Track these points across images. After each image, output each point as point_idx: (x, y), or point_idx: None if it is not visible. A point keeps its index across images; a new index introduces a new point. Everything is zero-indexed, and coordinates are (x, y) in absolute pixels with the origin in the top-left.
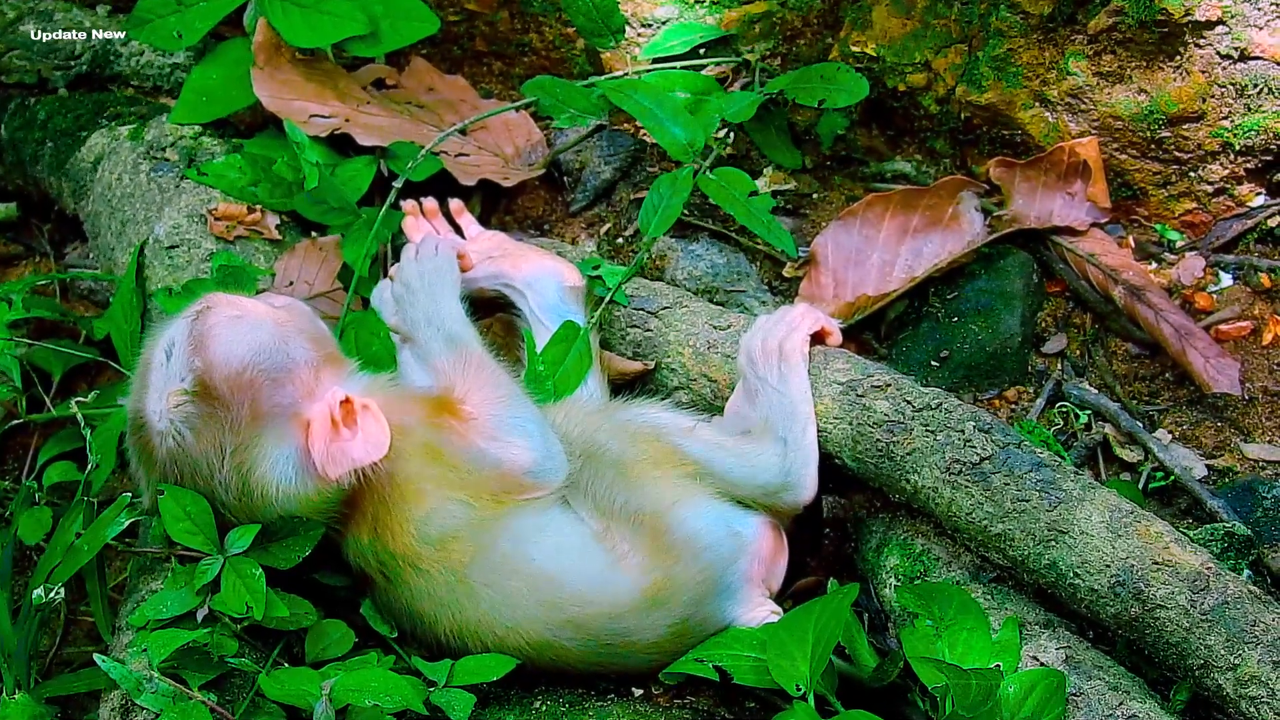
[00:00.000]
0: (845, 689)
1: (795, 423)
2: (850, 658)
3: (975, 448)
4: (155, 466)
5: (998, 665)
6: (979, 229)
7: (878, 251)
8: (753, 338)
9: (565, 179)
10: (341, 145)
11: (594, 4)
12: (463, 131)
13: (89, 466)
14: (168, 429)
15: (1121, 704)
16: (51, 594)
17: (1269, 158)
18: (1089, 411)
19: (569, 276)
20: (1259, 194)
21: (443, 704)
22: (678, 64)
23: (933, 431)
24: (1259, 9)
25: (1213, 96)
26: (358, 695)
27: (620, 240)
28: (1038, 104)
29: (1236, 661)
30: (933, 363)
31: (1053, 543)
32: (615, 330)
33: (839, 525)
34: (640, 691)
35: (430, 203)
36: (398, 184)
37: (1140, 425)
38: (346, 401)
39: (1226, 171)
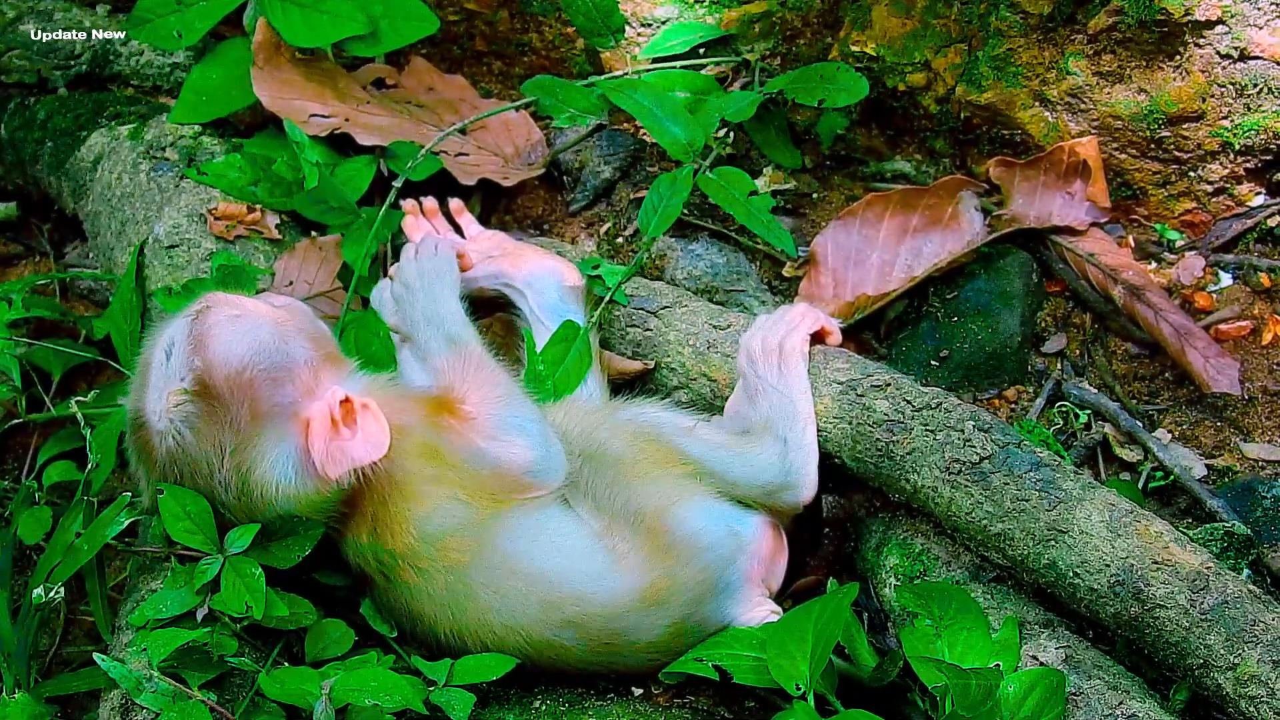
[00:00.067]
0: (845, 689)
1: (795, 422)
2: (850, 657)
3: (975, 447)
4: (155, 466)
5: (997, 665)
6: (979, 229)
7: (877, 251)
8: (752, 337)
9: (565, 179)
10: (341, 145)
11: (594, 4)
12: (462, 131)
13: (89, 466)
14: (167, 428)
15: (1121, 703)
16: (51, 593)
17: (1269, 157)
18: (1089, 411)
19: (569, 276)
20: (1259, 194)
21: (442, 703)
22: (677, 64)
23: (932, 431)
24: (1259, 9)
25: (1212, 96)
26: (357, 695)
27: (620, 240)
28: (1037, 104)
29: (1236, 661)
30: (932, 362)
31: (1052, 542)
32: (615, 330)
33: (839, 525)
34: (640, 691)
35: (430, 202)
36: (397, 183)
37: (1140, 425)
38: (346, 401)
39: (1226, 171)
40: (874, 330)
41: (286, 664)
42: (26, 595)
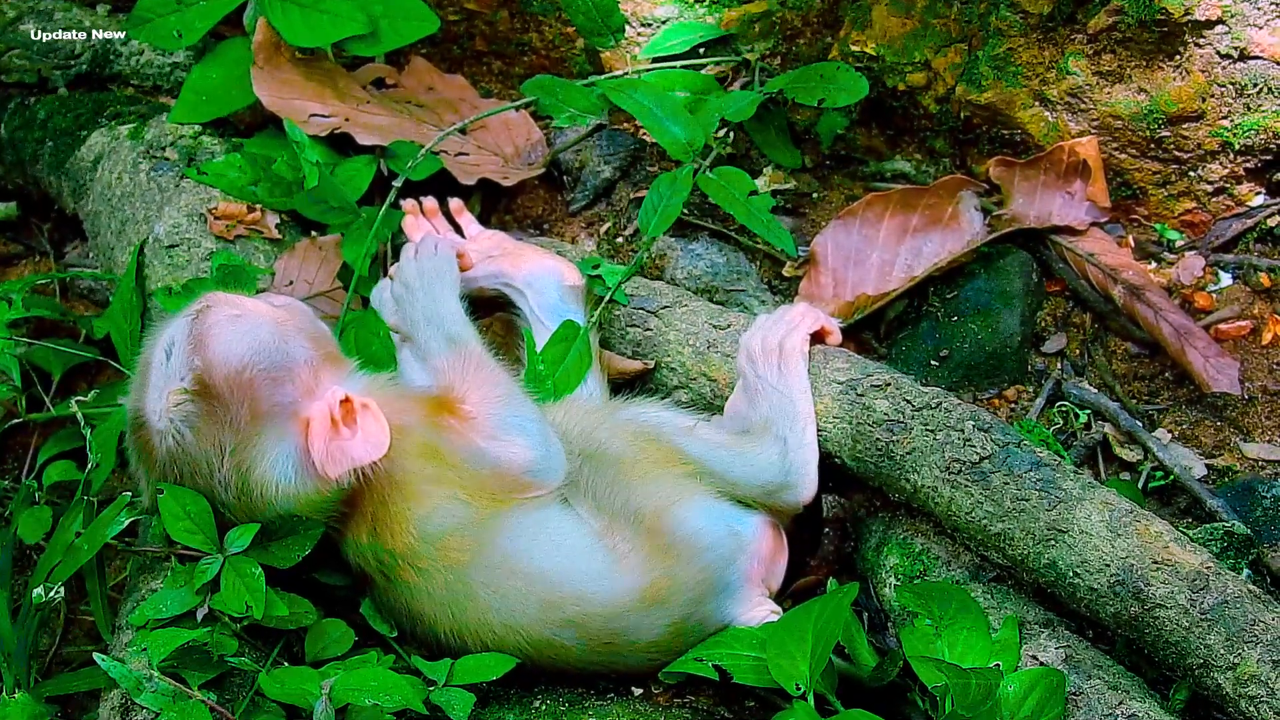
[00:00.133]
0: (845, 688)
1: (795, 422)
2: (850, 657)
3: (975, 447)
4: (155, 465)
5: (997, 665)
6: (978, 228)
7: (877, 251)
8: (752, 337)
9: (565, 178)
10: (341, 145)
11: (594, 3)
12: (462, 131)
13: (89, 466)
14: (167, 428)
15: (1121, 703)
16: (51, 593)
17: (1268, 157)
18: (1088, 411)
19: (569, 276)
20: (1258, 193)
21: (442, 703)
22: (677, 63)
23: (932, 431)
24: (1259, 8)
25: (1212, 96)
26: (357, 694)
27: (620, 239)
28: (1037, 103)
29: (1236, 661)
30: (932, 362)
31: (1052, 542)
32: (615, 329)
33: (839, 525)
34: (640, 691)
35: (430, 202)
36: (397, 183)
37: (1140, 424)
38: (346, 401)
39: (1226, 171)
40: (874, 330)
41: (286, 664)
42: (26, 595)
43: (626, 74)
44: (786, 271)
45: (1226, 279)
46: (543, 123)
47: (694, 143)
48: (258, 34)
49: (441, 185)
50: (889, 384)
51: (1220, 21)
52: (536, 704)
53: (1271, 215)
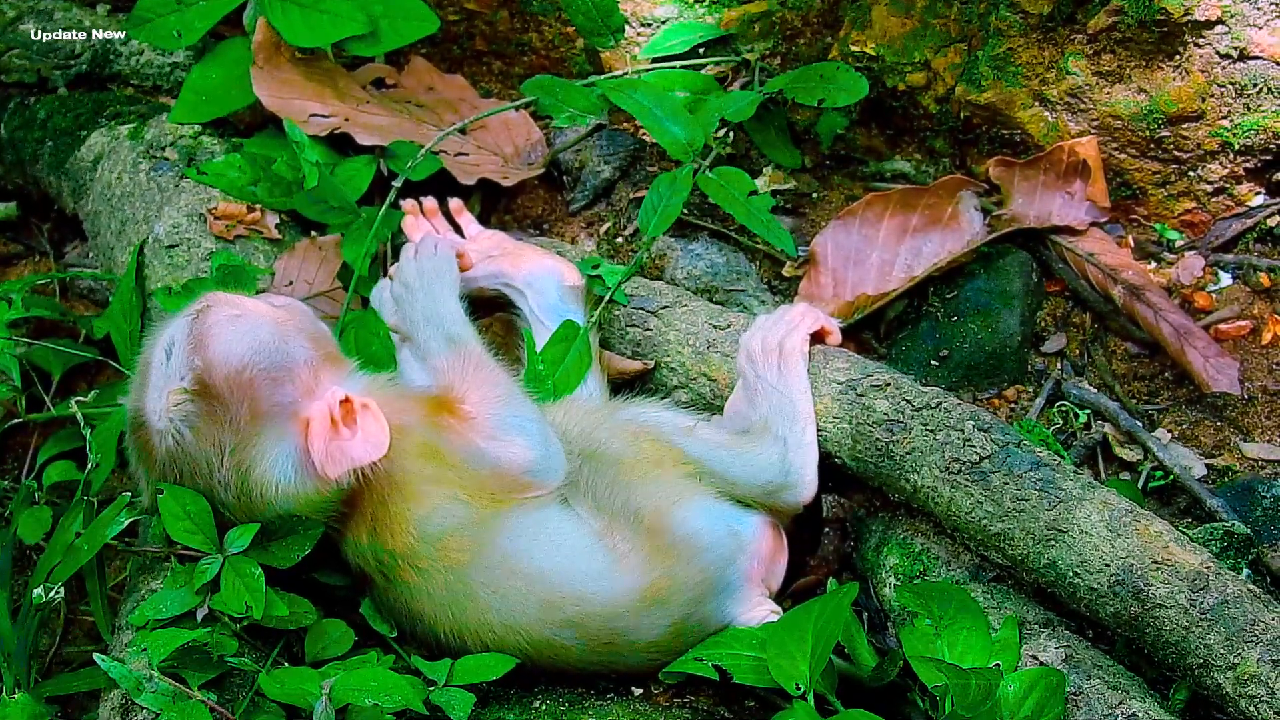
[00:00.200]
0: (845, 688)
1: (795, 422)
2: (850, 657)
3: (975, 447)
4: (155, 465)
5: (997, 664)
6: (978, 228)
7: (877, 251)
8: (752, 337)
9: (565, 178)
10: (341, 145)
11: (593, 3)
12: (462, 131)
13: (89, 466)
14: (167, 428)
15: (1121, 703)
16: (51, 593)
17: (1268, 157)
18: (1088, 411)
19: (569, 276)
20: (1258, 193)
21: (442, 703)
22: (677, 63)
23: (932, 431)
24: (1258, 8)
25: (1212, 96)
26: (357, 694)
27: (620, 239)
28: (1037, 103)
29: (1236, 660)
30: (932, 362)
31: (1052, 542)
32: (615, 329)
33: (839, 525)
34: (640, 691)
35: (430, 202)
36: (397, 183)
37: (1139, 424)
38: (346, 401)
39: (1226, 171)
40: (874, 330)
41: (286, 664)
42: (26, 595)
43: (626, 74)
44: (786, 271)
45: (1226, 279)
46: (542, 123)
47: (694, 143)
48: (257, 34)
49: (441, 185)
50: (889, 384)
51: (1220, 21)
52: (536, 704)
53: (1271, 215)
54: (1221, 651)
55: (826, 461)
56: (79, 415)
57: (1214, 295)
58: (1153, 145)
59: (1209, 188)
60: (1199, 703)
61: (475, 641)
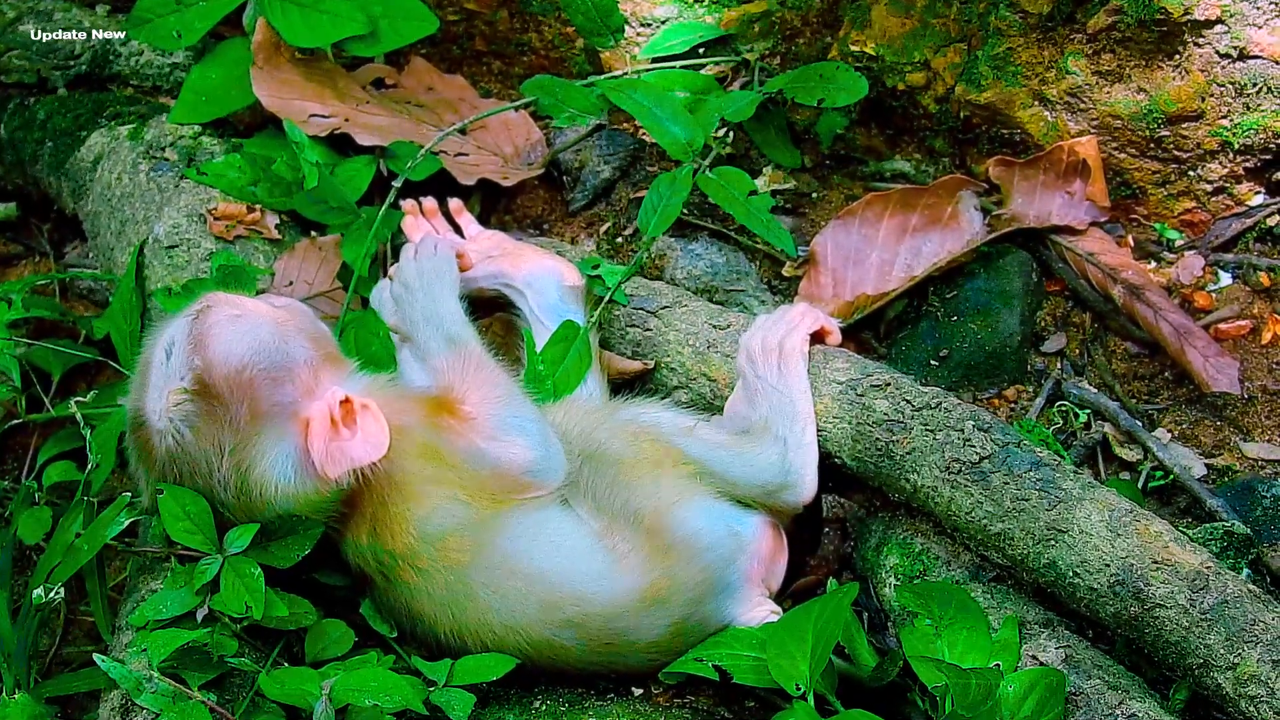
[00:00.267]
0: (845, 688)
1: (795, 422)
2: (850, 657)
3: (975, 447)
4: (154, 465)
5: (997, 665)
6: (978, 228)
7: (877, 251)
8: (752, 337)
9: (564, 178)
10: (341, 145)
11: (593, 3)
12: (462, 131)
13: (89, 466)
14: (167, 427)
15: (1121, 703)
16: (51, 594)
17: (1268, 156)
18: (1088, 410)
19: (568, 276)
20: (1258, 193)
21: (442, 704)
22: (677, 63)
23: (932, 431)
24: (1258, 8)
25: (1212, 95)
26: (357, 695)
27: (620, 240)
28: (1037, 103)
29: (1236, 660)
30: (932, 362)
31: (1052, 542)
32: (615, 330)
33: (839, 525)
34: (640, 691)
35: (430, 202)
36: (397, 183)
37: (1139, 424)
38: (346, 401)
39: (1225, 170)
40: (874, 330)
41: (286, 664)
42: (26, 595)
43: (626, 74)
44: (786, 271)
45: (1226, 278)
46: (542, 123)
47: (693, 143)
48: (257, 34)
49: (441, 185)
50: (889, 384)
51: (1219, 21)
52: (536, 704)
53: (1271, 215)
54: (1221, 651)
55: (826, 461)
56: (79, 416)
57: (1214, 295)
58: (1152, 145)
59: (1209, 187)
60: (1199, 703)
61: (475, 642)
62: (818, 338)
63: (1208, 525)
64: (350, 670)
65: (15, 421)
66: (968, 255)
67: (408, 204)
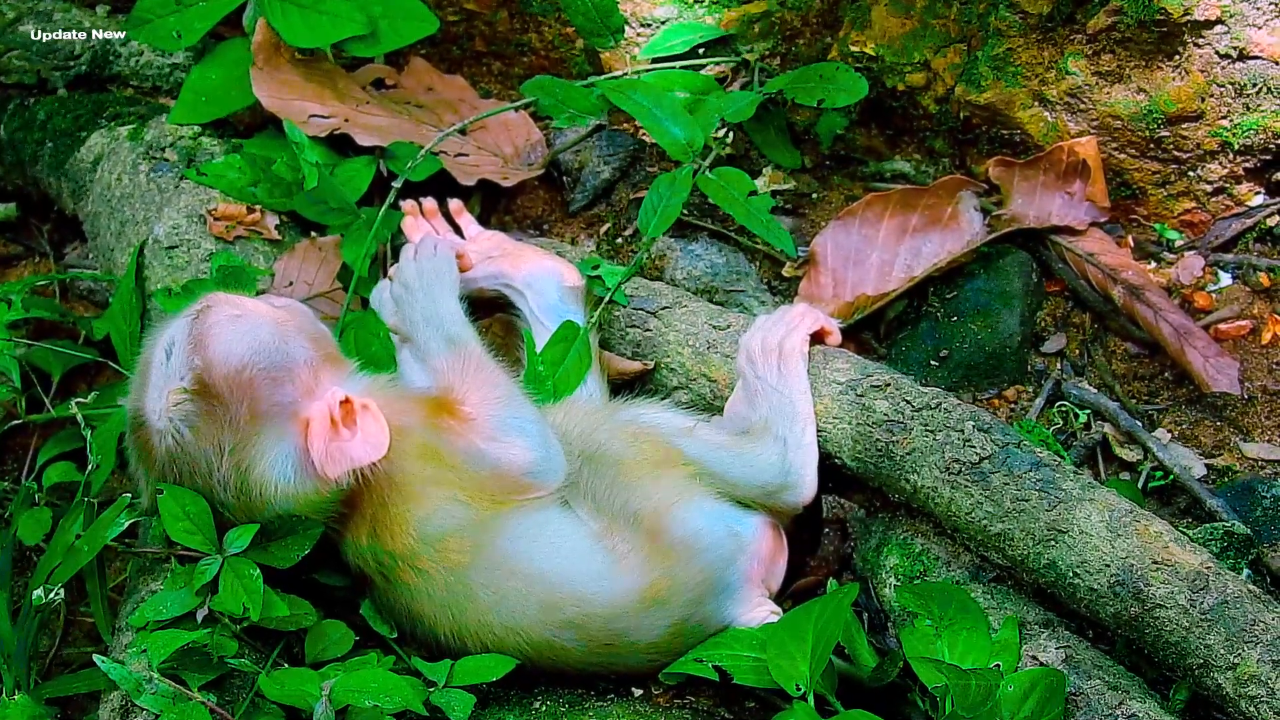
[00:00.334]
0: (845, 689)
1: (795, 422)
2: (850, 658)
3: (975, 447)
4: (154, 465)
5: (997, 665)
6: (978, 228)
7: (877, 251)
8: (752, 337)
9: (564, 179)
10: (341, 145)
11: (593, 4)
12: (462, 131)
13: (89, 467)
14: (167, 427)
15: (1121, 703)
16: (51, 595)
17: (1268, 157)
18: (1088, 411)
19: (568, 276)
20: (1258, 193)
21: (442, 704)
22: (677, 64)
23: (932, 431)
24: (1258, 8)
25: (1211, 96)
26: (357, 696)
27: (620, 240)
28: (1037, 103)
29: (1236, 661)
30: (932, 362)
31: (1052, 542)
32: (615, 330)
33: (839, 525)
34: (640, 691)
35: (429, 203)
36: (397, 184)
37: (1139, 424)
38: (346, 401)
39: (1225, 171)
40: (874, 330)
41: (286, 665)
42: (26, 596)
43: (626, 74)
44: (786, 272)
45: (1226, 279)
46: (542, 123)
47: (693, 143)
48: (257, 35)
49: (441, 186)
50: (889, 384)
51: (1219, 21)
52: (536, 705)
53: (1271, 215)
54: (1221, 652)
55: (826, 462)
56: (79, 416)
57: (1214, 295)
58: (1152, 145)
59: (1209, 187)
60: (1199, 703)
61: (475, 642)
62: (818, 338)
63: (1208, 525)
64: (350, 671)
65: (15, 422)
66: (968, 255)
67: (408, 204)
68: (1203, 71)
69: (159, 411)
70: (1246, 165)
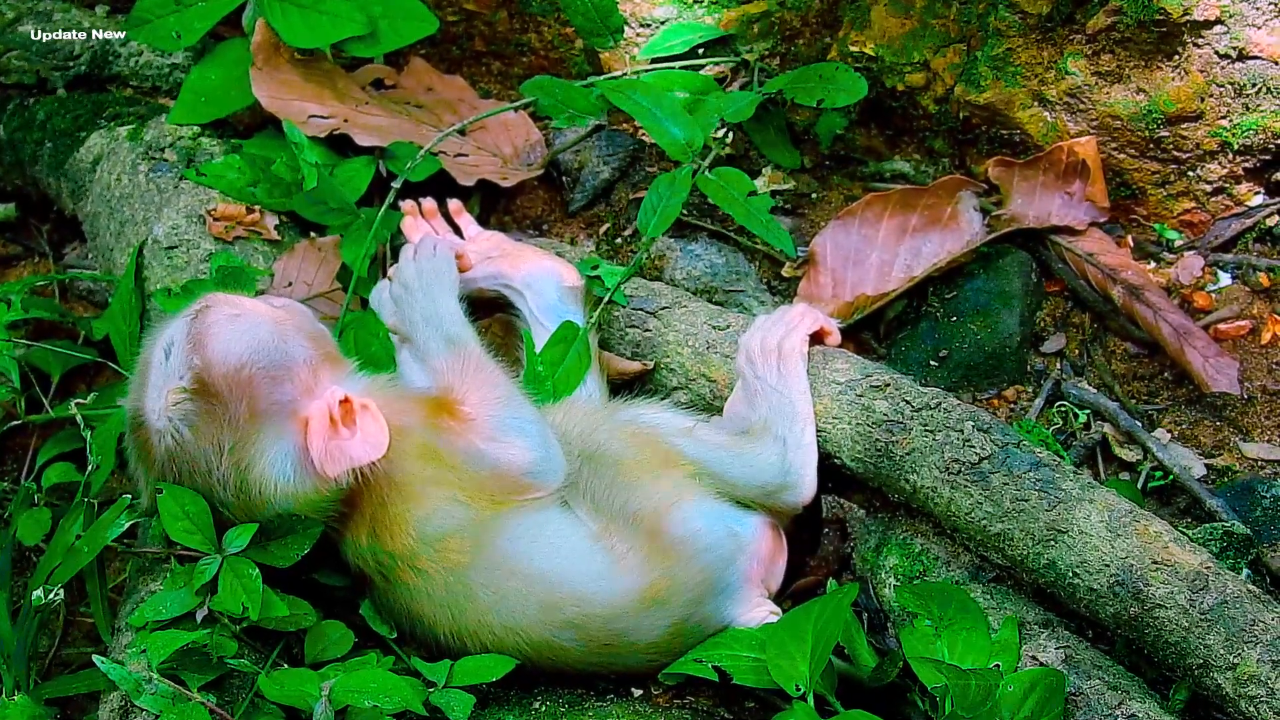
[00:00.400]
0: (845, 689)
1: (794, 422)
2: (850, 658)
3: (974, 447)
4: (154, 465)
5: (997, 665)
6: (978, 228)
7: (876, 251)
8: (751, 337)
9: (564, 179)
10: (340, 145)
11: (592, 4)
12: (461, 131)
13: (88, 467)
14: (166, 427)
15: (1121, 704)
16: (51, 595)
17: (1267, 157)
18: (1088, 411)
19: (568, 276)
20: (1257, 193)
21: (442, 704)
22: (676, 64)
23: (932, 431)
24: (1257, 8)
25: (1211, 96)
26: (357, 696)
27: (619, 240)
28: (1036, 103)
29: (1236, 661)
30: (932, 362)
31: (1052, 542)
32: (614, 330)
33: (839, 525)
34: (639, 691)
35: (429, 203)
36: (396, 184)
37: (1139, 424)
38: (346, 401)
39: (1225, 171)
40: (873, 330)
41: (286, 665)
42: (26, 597)
43: (625, 74)
44: (786, 272)
45: (1226, 279)
46: (542, 123)
47: (693, 143)
48: (257, 35)
49: (440, 186)
50: (888, 384)
51: (1219, 21)
52: (536, 705)
53: (1270, 215)
54: (1221, 652)
55: (826, 462)
56: (78, 417)
57: (1213, 295)
58: (1152, 145)
59: (1208, 187)
60: (1199, 703)
61: (475, 643)
62: (817, 338)
63: (1208, 525)
64: (350, 671)
65: (15, 422)
66: (967, 256)
67: (407, 205)
68: (1202, 71)
69: (158, 411)
70: (1246, 165)
